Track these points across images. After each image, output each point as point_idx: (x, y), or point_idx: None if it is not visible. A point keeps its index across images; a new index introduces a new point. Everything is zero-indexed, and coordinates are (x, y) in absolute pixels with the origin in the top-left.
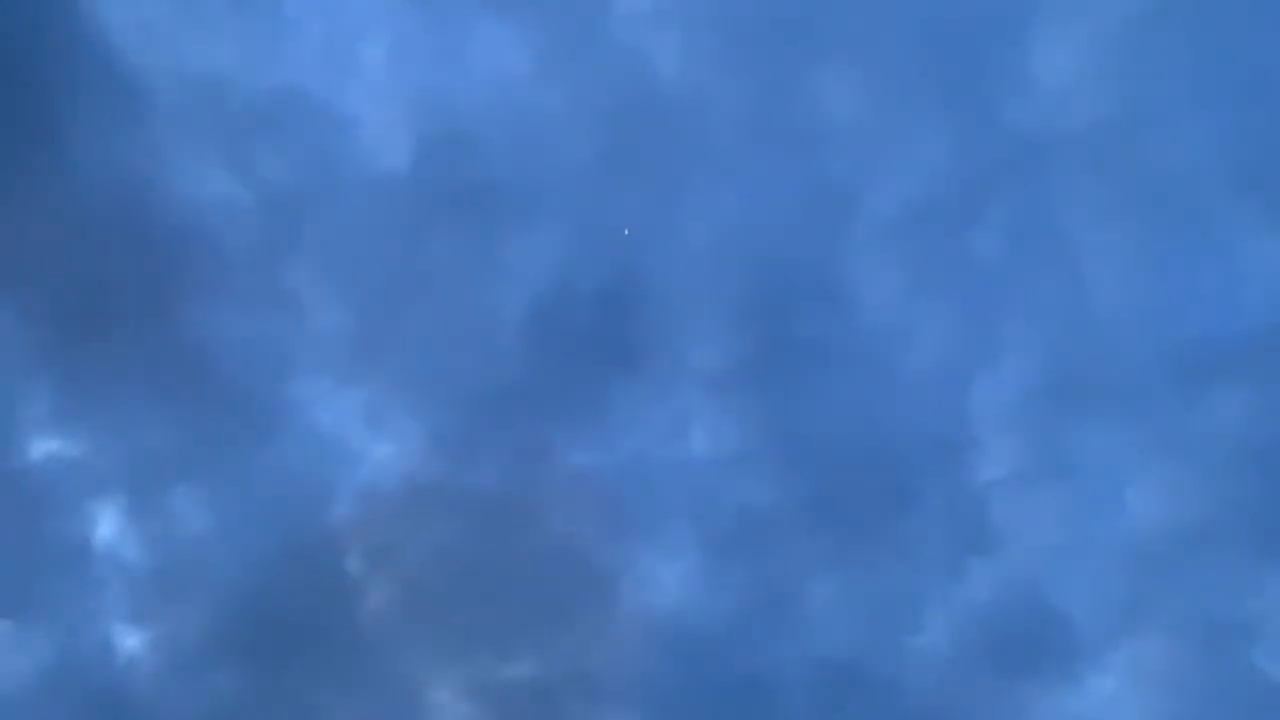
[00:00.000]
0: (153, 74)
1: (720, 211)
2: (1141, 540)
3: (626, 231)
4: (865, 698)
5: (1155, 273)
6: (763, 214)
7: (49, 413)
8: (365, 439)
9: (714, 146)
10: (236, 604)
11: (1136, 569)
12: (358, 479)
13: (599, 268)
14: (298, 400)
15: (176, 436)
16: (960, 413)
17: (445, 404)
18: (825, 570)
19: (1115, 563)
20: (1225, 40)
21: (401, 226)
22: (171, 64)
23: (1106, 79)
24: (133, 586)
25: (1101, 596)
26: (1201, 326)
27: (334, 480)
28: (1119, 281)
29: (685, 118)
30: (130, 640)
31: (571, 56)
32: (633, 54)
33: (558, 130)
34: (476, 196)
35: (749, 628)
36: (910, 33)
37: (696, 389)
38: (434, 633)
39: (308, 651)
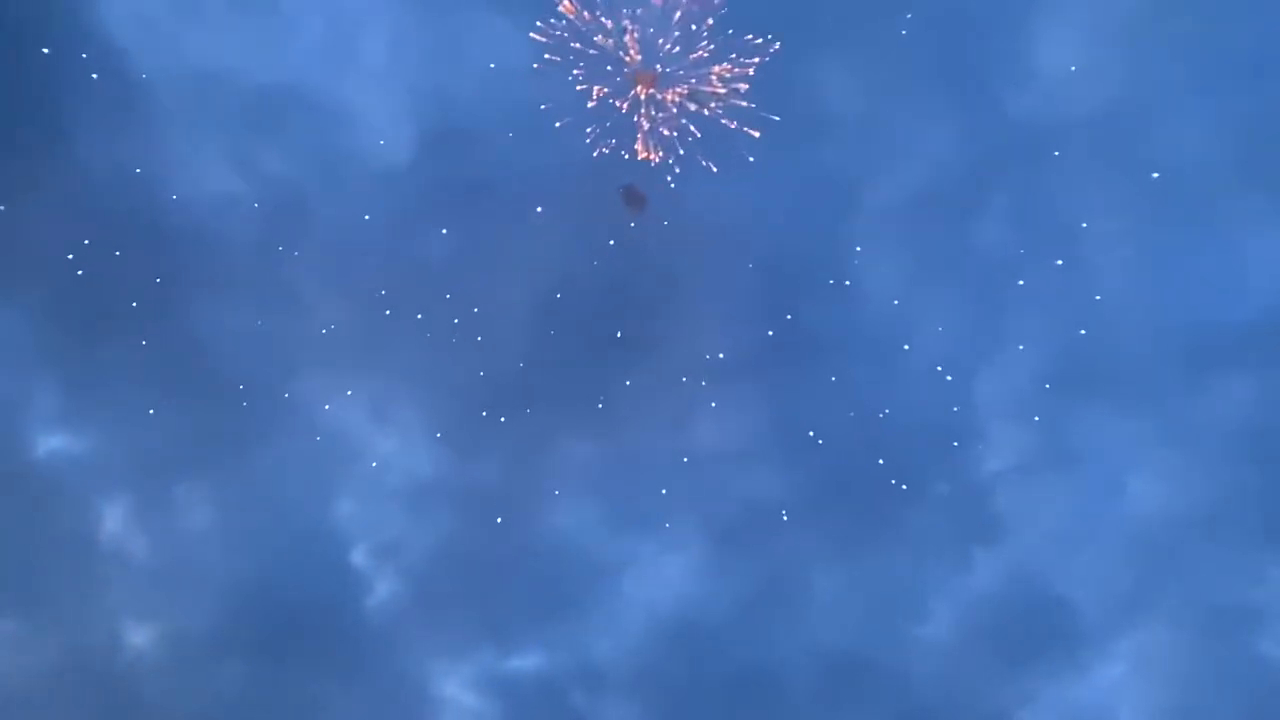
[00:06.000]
0: (154, 72)
1: (724, 201)
2: (1146, 528)
3: (631, 224)
4: (871, 687)
5: (1159, 262)
6: (767, 204)
7: (55, 410)
8: (369, 434)
9: (717, 138)
10: (242, 599)
11: (1141, 557)
12: (362, 474)
13: (602, 261)
14: (302, 396)
15: (182, 433)
16: (965, 402)
17: (449, 398)
18: (830, 561)
19: (1120, 551)
20: (1229, 30)
21: (404, 221)
22: (173, 62)
23: (1110, 69)
24: (139, 582)
25: (1106, 585)
26: (1205, 315)
27: (339, 476)
28: (1122, 270)
29: (687, 110)
30: (137, 635)
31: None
32: (632, 49)
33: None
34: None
35: (754, 618)
36: (913, 22)
37: (701, 380)
38: (439, 627)
39: (313, 645)
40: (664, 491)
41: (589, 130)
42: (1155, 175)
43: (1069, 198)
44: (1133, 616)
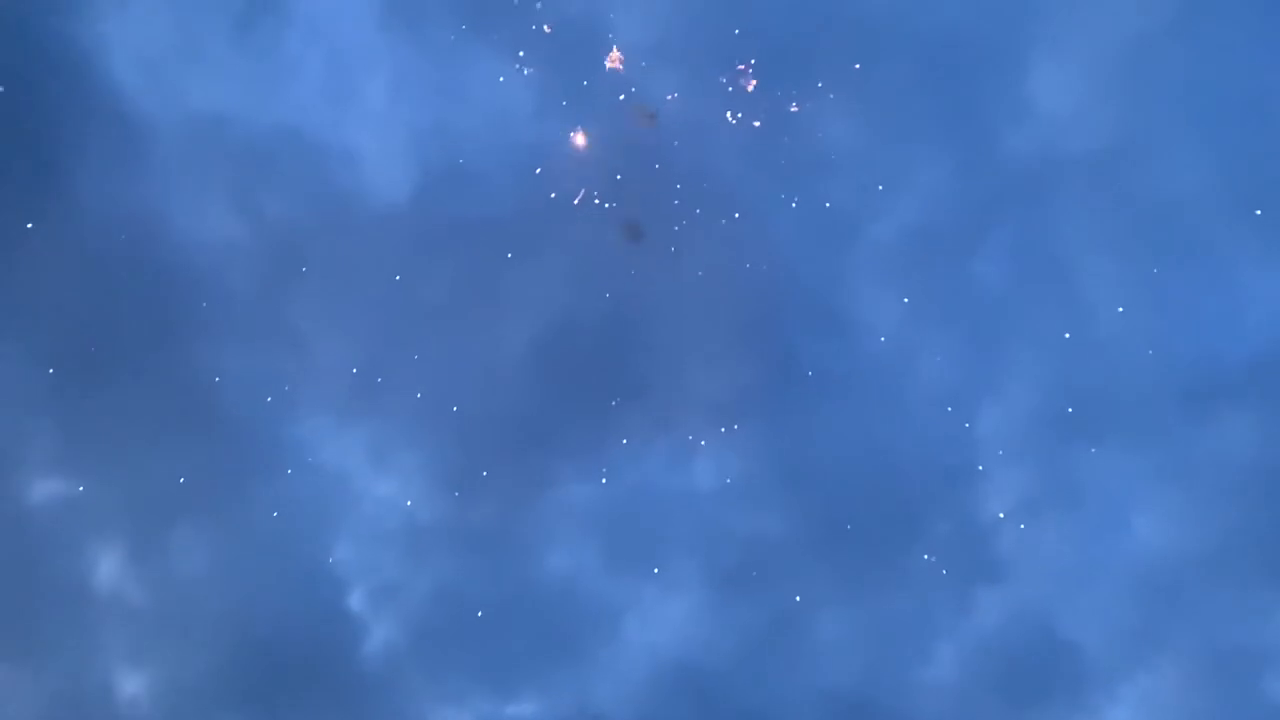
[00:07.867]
0: (155, 114)
1: (723, 241)
2: (1150, 568)
3: (632, 271)
4: None
5: (1158, 299)
6: (766, 242)
7: (50, 453)
8: (367, 476)
9: (715, 176)
10: (237, 644)
11: (1146, 597)
12: (359, 516)
13: (600, 301)
14: (299, 438)
15: (177, 476)
16: (966, 441)
17: (447, 439)
18: (832, 602)
19: (1124, 591)
20: (1224, 67)
21: (403, 263)
22: (174, 104)
23: (1105, 106)
24: (133, 627)
25: (1112, 625)
26: (1205, 351)
27: (336, 518)
28: (1122, 308)
29: (685, 148)
30: (130, 682)
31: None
32: (630, 89)
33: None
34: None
35: (755, 660)
36: (909, 62)
37: (699, 420)
38: (437, 672)
39: (309, 691)
40: (664, 534)
41: (587, 190)
42: (1153, 211)
43: (1068, 234)
44: (1139, 657)
